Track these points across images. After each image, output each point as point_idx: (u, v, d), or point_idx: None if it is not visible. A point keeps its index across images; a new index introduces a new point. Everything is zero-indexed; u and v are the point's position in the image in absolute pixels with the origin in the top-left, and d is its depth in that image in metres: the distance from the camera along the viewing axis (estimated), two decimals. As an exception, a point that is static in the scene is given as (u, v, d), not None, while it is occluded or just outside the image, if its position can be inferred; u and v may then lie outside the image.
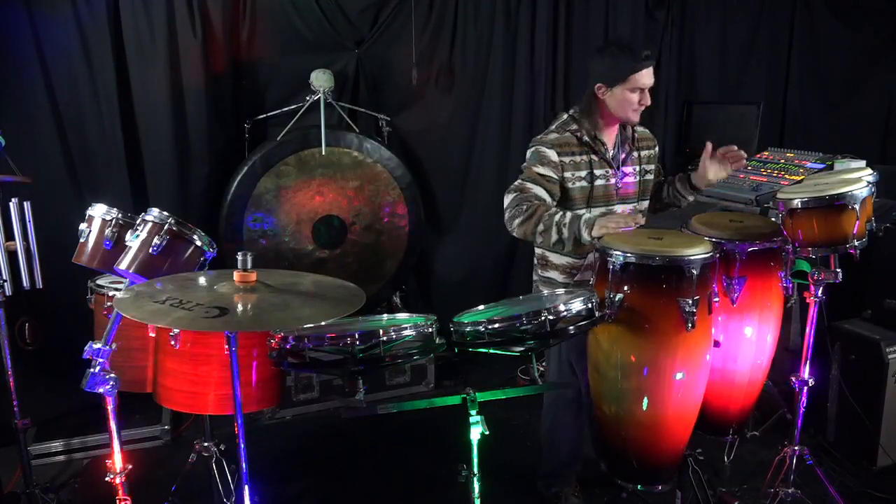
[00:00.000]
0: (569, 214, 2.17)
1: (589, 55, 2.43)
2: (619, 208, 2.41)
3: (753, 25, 4.62)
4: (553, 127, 2.39)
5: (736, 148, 2.34)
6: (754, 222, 2.43)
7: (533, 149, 2.34)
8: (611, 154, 2.38)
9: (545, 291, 2.39)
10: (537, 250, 2.48)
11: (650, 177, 2.51)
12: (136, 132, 3.49)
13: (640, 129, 2.49)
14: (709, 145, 2.38)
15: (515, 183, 2.31)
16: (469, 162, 4.20)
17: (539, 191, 2.26)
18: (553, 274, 2.44)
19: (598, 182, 2.35)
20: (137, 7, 3.34)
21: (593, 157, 2.34)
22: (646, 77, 2.26)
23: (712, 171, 2.38)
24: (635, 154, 2.45)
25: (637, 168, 2.45)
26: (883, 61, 4.70)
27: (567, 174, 2.31)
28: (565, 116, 2.40)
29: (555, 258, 2.41)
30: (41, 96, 3.29)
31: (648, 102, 2.30)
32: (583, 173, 2.33)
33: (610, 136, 2.40)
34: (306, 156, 3.58)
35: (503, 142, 4.18)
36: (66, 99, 3.34)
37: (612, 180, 2.38)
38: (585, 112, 2.36)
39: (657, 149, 2.55)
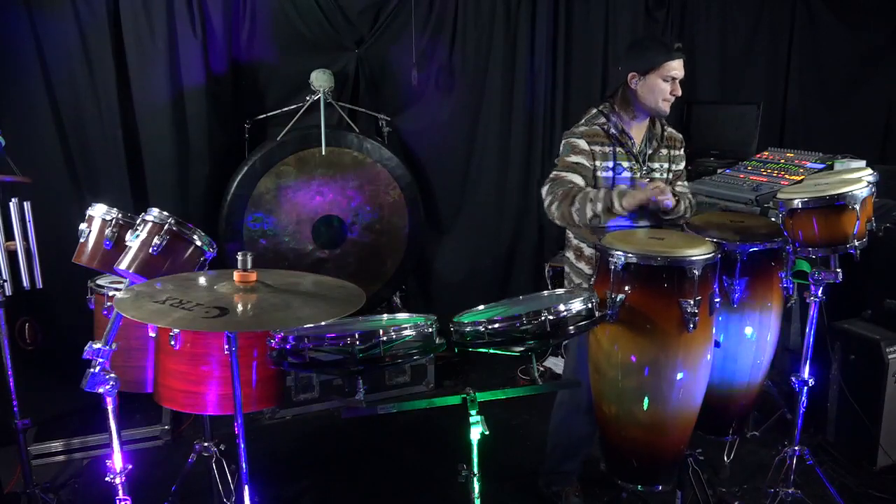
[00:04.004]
0: (602, 189, 2.27)
1: (622, 51, 2.47)
2: None
3: (753, 25, 4.62)
4: (582, 121, 2.47)
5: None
6: (754, 222, 2.43)
7: (564, 141, 2.43)
8: (637, 149, 2.42)
9: (545, 292, 2.38)
10: (574, 241, 2.51)
11: (673, 176, 2.54)
12: (136, 132, 3.49)
13: (670, 129, 2.54)
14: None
15: (551, 175, 2.40)
16: (469, 162, 4.20)
17: (574, 177, 2.35)
18: (584, 266, 2.47)
19: (624, 174, 2.40)
20: (137, 7, 3.34)
21: (619, 149, 2.39)
22: (678, 66, 2.34)
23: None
24: (664, 151, 2.49)
25: (665, 165, 2.48)
26: (883, 61, 4.70)
27: (597, 162, 2.38)
28: (594, 111, 2.47)
29: (588, 250, 2.45)
30: (41, 96, 3.28)
31: (679, 93, 2.36)
32: (609, 164, 2.38)
33: (639, 131, 2.45)
34: (306, 156, 3.58)
35: (503, 142, 4.18)
36: (66, 99, 3.33)
37: (638, 174, 2.41)
38: (616, 104, 2.42)
39: (684, 151, 2.58)
